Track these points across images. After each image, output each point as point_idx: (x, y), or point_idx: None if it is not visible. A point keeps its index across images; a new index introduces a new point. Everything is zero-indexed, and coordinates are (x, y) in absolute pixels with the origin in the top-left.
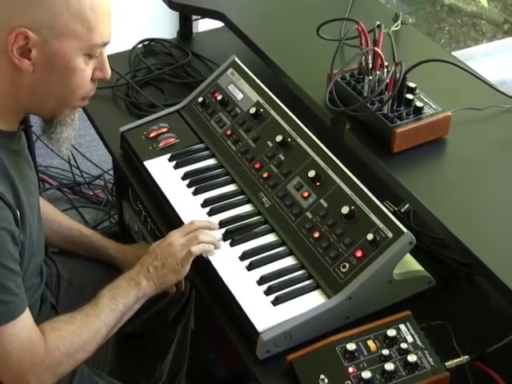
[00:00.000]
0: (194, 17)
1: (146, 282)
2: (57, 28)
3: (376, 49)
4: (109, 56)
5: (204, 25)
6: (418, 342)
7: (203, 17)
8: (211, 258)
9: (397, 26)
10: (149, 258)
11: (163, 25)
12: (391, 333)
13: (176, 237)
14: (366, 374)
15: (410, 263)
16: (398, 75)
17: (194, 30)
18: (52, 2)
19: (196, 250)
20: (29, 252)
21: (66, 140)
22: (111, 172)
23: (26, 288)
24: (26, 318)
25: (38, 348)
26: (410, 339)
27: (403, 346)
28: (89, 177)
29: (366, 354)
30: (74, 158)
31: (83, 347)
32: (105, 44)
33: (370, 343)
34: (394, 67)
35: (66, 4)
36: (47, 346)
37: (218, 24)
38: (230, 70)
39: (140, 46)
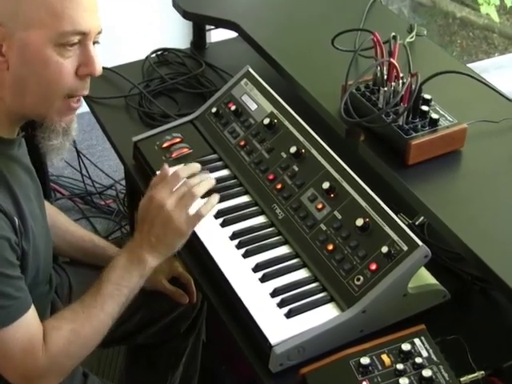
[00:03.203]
0: (208, 27)
1: (150, 255)
2: (21, 18)
3: (391, 60)
4: (122, 66)
5: (217, 35)
6: (433, 357)
7: (217, 27)
8: (224, 270)
9: (411, 38)
10: (144, 226)
11: (177, 35)
12: (406, 347)
13: (164, 195)
14: None
15: (425, 277)
16: (413, 86)
17: (208, 41)
18: None
19: (205, 211)
20: (34, 260)
21: (56, 149)
22: (123, 182)
23: (34, 296)
24: (28, 320)
25: (38, 350)
26: (424, 354)
27: (418, 360)
28: (100, 187)
29: (380, 368)
30: (85, 167)
31: (86, 344)
32: (79, 32)
33: (385, 357)
34: (409, 78)
35: None
36: (48, 348)
37: (232, 34)
38: (244, 80)
39: (153, 55)
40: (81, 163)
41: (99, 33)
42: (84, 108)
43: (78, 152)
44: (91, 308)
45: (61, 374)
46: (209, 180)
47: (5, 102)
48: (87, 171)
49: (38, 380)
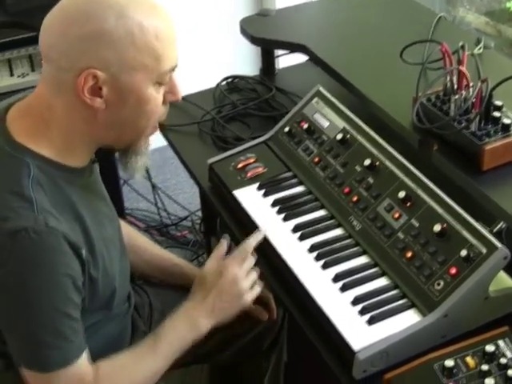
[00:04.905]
0: (276, 53)
1: (206, 323)
2: (125, 63)
3: (461, 68)
4: (193, 94)
5: (286, 61)
6: None
7: (284, 49)
8: (304, 281)
9: (479, 49)
10: (210, 292)
11: (245, 63)
12: (490, 348)
13: (237, 270)
14: None
15: (506, 280)
16: (483, 93)
17: (276, 67)
18: (116, 39)
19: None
20: (105, 286)
21: (141, 168)
22: (198, 213)
23: (113, 315)
24: (81, 364)
25: None
26: (509, 354)
27: (503, 361)
28: (176, 218)
29: (464, 370)
30: (160, 200)
31: None
32: (173, 68)
33: (469, 359)
34: (479, 83)
35: (131, 38)
36: None
37: (299, 60)
38: (315, 99)
39: (224, 83)
40: (156, 196)
41: None
42: (155, 144)
43: (152, 185)
44: (145, 361)
45: None
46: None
47: (93, 136)
48: (162, 204)
49: None
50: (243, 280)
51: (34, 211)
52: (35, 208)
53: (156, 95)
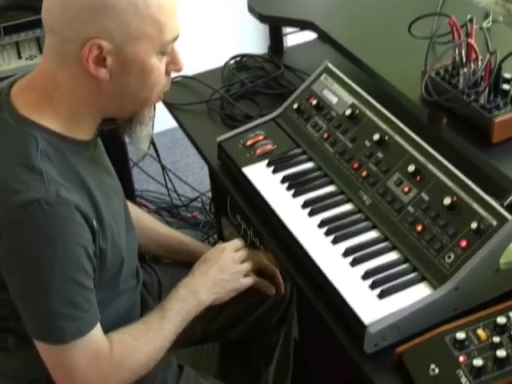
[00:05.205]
0: (284, 31)
1: (208, 297)
2: (128, 33)
3: (469, 40)
4: (201, 74)
5: (294, 39)
6: None
7: (292, 26)
8: (314, 256)
9: (488, 23)
10: (211, 268)
11: (253, 42)
12: (501, 320)
13: (238, 252)
14: (478, 362)
15: None
16: (492, 65)
17: (285, 45)
18: (119, 10)
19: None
20: (114, 258)
21: (146, 137)
22: (208, 194)
23: (122, 291)
24: (95, 335)
25: (105, 364)
26: None
27: None
28: (186, 200)
29: (476, 342)
30: (170, 181)
31: (147, 364)
32: (175, 38)
33: (480, 332)
34: (488, 56)
35: (134, 9)
36: (113, 362)
37: (308, 37)
38: (324, 75)
39: (232, 62)
40: (166, 178)
41: None
42: (166, 125)
43: (162, 167)
44: (155, 332)
45: None
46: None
47: (97, 107)
48: (173, 185)
49: None
50: (242, 261)
51: (44, 182)
52: (45, 179)
53: (159, 65)
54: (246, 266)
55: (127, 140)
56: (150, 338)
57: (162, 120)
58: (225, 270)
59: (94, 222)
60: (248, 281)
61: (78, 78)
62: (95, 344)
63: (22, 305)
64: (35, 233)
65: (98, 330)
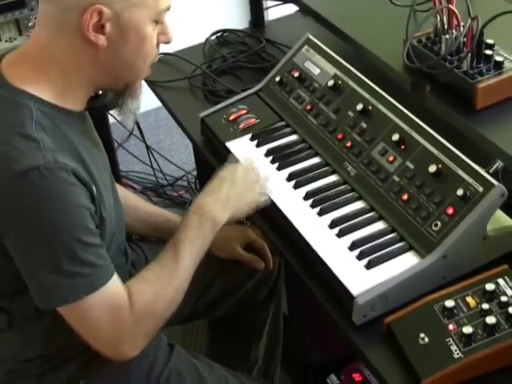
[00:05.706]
0: (265, 5)
1: (224, 214)
2: (127, 0)
3: (450, 6)
4: (182, 50)
5: (275, 13)
6: None
7: None
8: (300, 228)
9: None
10: (222, 184)
11: (233, 17)
12: (490, 287)
13: (249, 172)
14: (468, 330)
15: (504, 219)
16: (474, 31)
17: (266, 19)
18: None
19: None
20: (109, 228)
21: (134, 111)
22: (193, 173)
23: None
24: (111, 287)
25: (125, 315)
26: (509, 292)
27: (503, 299)
28: (172, 179)
29: (465, 310)
30: (156, 161)
31: (169, 305)
32: (168, 8)
33: (469, 299)
34: (470, 21)
35: None
36: (133, 312)
37: (288, 11)
38: (305, 47)
39: (213, 37)
40: (151, 158)
41: None
42: (149, 106)
43: (147, 147)
44: (173, 271)
45: (146, 336)
46: None
47: (92, 77)
48: (158, 165)
49: (125, 344)
50: (256, 179)
51: (41, 149)
52: (42, 147)
53: (153, 33)
54: (262, 176)
55: (118, 112)
56: (167, 278)
57: (146, 100)
58: (238, 182)
59: (94, 189)
60: (265, 197)
61: (75, 47)
62: (112, 296)
63: (30, 274)
64: (37, 199)
65: (113, 283)
